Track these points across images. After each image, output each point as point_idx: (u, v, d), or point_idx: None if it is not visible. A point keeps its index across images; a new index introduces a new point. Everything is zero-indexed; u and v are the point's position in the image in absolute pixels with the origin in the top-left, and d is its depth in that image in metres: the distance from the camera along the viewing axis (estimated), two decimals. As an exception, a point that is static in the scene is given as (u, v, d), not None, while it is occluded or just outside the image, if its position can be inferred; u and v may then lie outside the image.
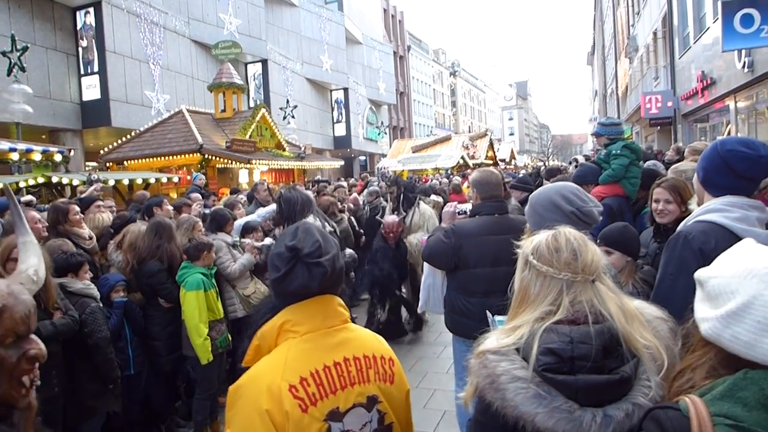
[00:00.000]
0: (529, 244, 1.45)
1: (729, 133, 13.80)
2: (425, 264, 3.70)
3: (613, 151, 4.79)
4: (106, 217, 5.17)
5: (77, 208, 4.63)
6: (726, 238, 1.79)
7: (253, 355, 1.49)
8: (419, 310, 4.81)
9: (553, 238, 1.41)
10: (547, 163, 19.85)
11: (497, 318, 1.87)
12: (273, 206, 5.86)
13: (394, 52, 46.31)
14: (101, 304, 3.65)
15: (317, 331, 1.45)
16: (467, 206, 3.65)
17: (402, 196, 7.09)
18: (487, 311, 2.08)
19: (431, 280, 3.68)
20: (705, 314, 1.14)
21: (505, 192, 5.27)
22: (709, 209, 1.93)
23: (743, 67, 11.26)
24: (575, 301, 1.33)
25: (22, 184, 8.22)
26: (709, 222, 1.88)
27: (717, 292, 1.12)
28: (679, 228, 2.06)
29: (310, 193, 4.63)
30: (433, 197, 8.99)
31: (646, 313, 1.41)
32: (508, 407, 1.24)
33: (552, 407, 1.21)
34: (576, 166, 9.19)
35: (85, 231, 4.60)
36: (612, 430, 1.21)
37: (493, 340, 1.37)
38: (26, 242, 1.73)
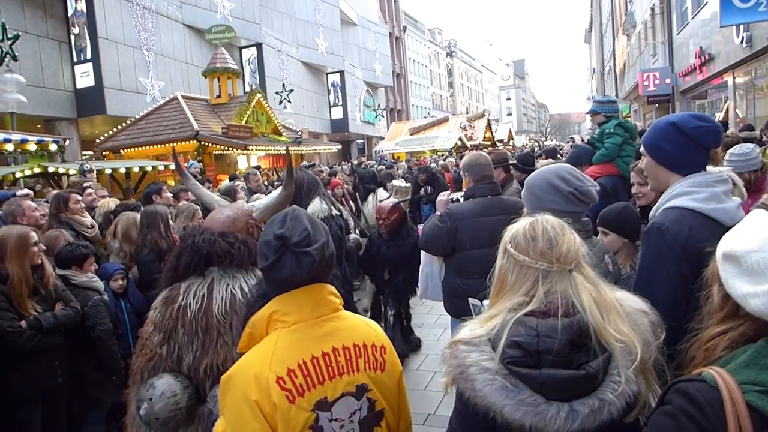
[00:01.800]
0: (506, 235, 1.44)
1: (728, 110, 13.75)
2: (423, 253, 3.70)
3: (607, 130, 4.77)
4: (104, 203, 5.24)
5: (79, 197, 4.69)
6: (698, 221, 1.80)
7: (246, 342, 1.50)
8: (419, 298, 4.38)
9: (531, 227, 1.40)
10: (541, 144, 19.66)
11: (485, 302, 1.88)
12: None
13: (390, 33, 45.81)
14: (105, 296, 3.66)
15: (306, 321, 1.46)
16: (459, 194, 3.68)
17: (361, 186, 6.58)
18: (470, 298, 2.11)
19: (429, 268, 3.68)
20: (750, 290, 1.10)
21: (507, 174, 5.23)
22: (676, 193, 1.91)
23: (741, 42, 11.18)
24: (550, 291, 1.32)
25: (18, 175, 8.20)
26: (679, 208, 1.86)
27: (762, 267, 1.09)
28: (651, 215, 2.04)
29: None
30: (395, 182, 7.80)
31: (627, 305, 1.39)
32: (478, 397, 1.26)
33: (518, 400, 1.23)
34: (572, 146, 9.16)
35: (87, 219, 4.65)
36: (579, 424, 1.21)
37: (467, 330, 1.38)
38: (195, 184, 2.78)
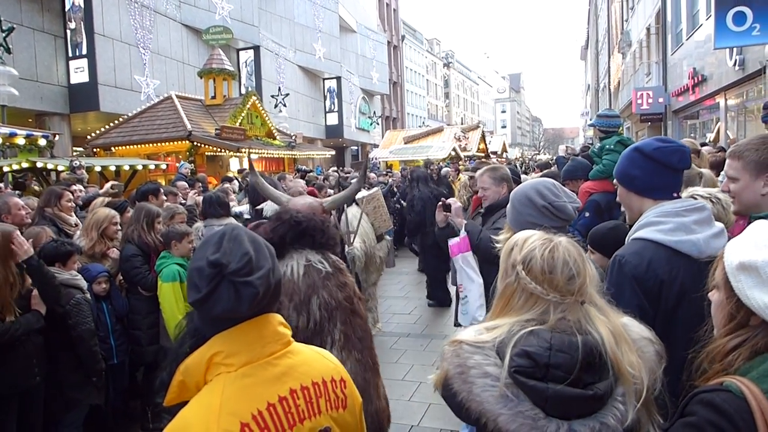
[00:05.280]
0: (517, 251, 1.37)
1: (718, 132, 13.89)
2: (472, 286, 3.11)
3: (606, 146, 4.78)
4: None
5: (71, 195, 4.64)
6: (660, 254, 1.78)
7: (176, 393, 1.24)
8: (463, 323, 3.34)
9: (550, 255, 1.32)
10: (526, 158, 19.75)
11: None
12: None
13: (388, 42, 45.98)
14: (87, 295, 3.59)
15: (256, 361, 1.23)
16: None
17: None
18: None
19: (480, 300, 3.11)
20: None
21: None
22: (643, 223, 1.90)
23: (734, 64, 11.32)
24: (563, 319, 1.29)
25: (6, 169, 8.10)
26: (642, 239, 1.85)
27: None
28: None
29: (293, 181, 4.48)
30: (358, 195, 6.56)
31: (633, 331, 1.36)
32: (473, 402, 1.23)
33: (516, 411, 1.19)
34: (555, 161, 9.21)
35: (72, 218, 4.59)
36: None
37: (471, 332, 1.33)
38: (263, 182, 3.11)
